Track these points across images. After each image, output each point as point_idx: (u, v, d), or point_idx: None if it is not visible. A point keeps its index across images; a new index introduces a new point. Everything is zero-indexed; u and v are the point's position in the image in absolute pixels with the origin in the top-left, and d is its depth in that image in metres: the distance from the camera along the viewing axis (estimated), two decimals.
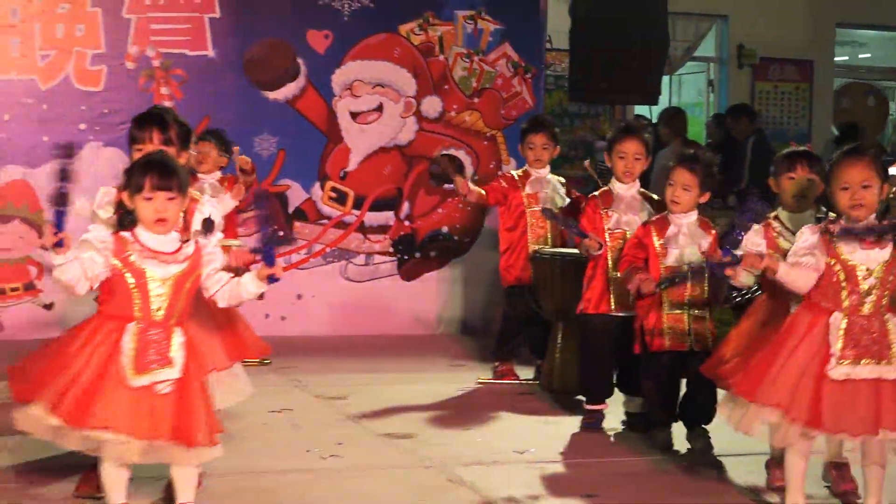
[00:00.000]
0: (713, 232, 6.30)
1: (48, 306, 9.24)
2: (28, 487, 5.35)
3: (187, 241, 4.73)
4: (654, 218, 6.45)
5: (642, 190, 6.94)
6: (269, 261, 4.70)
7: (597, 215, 6.76)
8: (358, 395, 7.56)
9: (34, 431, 4.62)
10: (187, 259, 4.70)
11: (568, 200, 7.84)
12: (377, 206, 10.00)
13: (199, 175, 8.18)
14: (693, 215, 6.29)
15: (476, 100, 10.23)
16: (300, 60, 9.76)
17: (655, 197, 6.88)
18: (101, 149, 9.14)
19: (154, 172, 4.61)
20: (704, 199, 6.30)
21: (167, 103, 9.24)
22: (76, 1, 9.26)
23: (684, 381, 6.32)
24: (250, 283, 4.72)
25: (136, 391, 4.55)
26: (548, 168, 8.09)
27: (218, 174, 8.27)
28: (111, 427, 4.49)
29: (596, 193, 6.93)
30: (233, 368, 5.42)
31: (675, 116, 12.29)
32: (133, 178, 4.63)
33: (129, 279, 4.60)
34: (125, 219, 4.68)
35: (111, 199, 4.96)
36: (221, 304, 4.80)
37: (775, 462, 5.61)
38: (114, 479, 4.70)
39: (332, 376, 8.14)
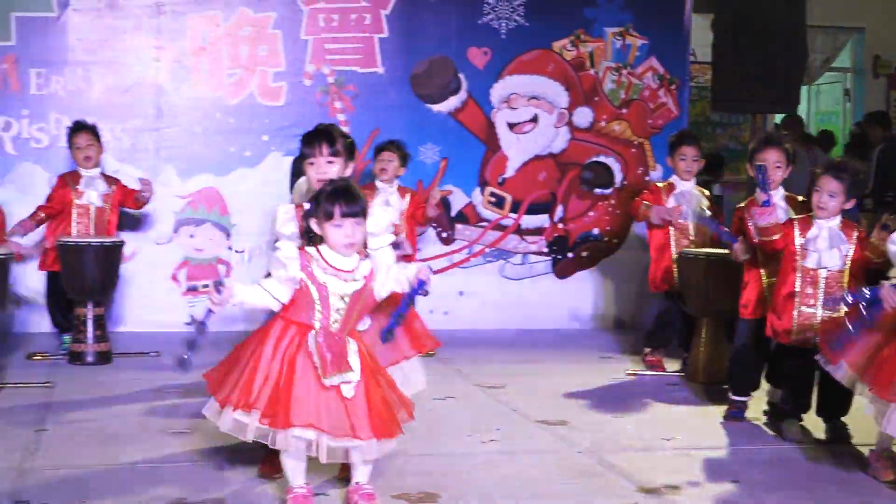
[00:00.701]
0: (855, 234, 6.09)
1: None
2: (210, 468, 5.42)
3: (364, 258, 4.75)
4: (799, 217, 6.26)
5: (787, 194, 6.77)
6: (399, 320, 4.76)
7: (744, 224, 6.61)
8: (515, 384, 7.51)
9: (240, 435, 4.65)
10: (363, 278, 4.71)
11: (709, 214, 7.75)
12: (533, 210, 9.96)
13: (377, 184, 8.25)
14: (836, 220, 6.09)
15: (624, 110, 10.10)
16: (461, 75, 9.76)
17: (800, 198, 6.72)
18: (282, 158, 9.26)
19: (342, 201, 4.62)
20: (849, 205, 6.10)
21: (341, 116, 9.35)
22: (259, 24, 9.41)
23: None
24: (407, 270, 4.75)
25: (327, 393, 4.57)
26: (694, 180, 7.95)
27: (397, 183, 8.31)
28: (311, 425, 4.53)
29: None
30: (412, 361, 5.40)
31: (792, 123, 12.19)
32: (322, 206, 4.64)
33: (314, 291, 4.63)
34: (312, 239, 4.71)
35: (292, 216, 5.00)
36: (384, 294, 4.81)
37: (882, 454, 5.47)
38: (295, 465, 4.74)
39: (490, 367, 8.11)
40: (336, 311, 4.65)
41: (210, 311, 4.65)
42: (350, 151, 5.25)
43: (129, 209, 8.49)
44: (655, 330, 8.11)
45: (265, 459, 5.16)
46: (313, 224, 4.69)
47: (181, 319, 9.31)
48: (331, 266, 4.66)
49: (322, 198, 4.67)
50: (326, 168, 5.04)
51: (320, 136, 5.16)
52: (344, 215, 4.62)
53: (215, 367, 4.89)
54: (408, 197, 8.35)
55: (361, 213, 4.67)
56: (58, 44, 9.11)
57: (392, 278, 4.75)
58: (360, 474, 4.80)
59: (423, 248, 9.45)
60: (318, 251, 4.68)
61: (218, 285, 4.60)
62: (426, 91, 9.71)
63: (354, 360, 4.64)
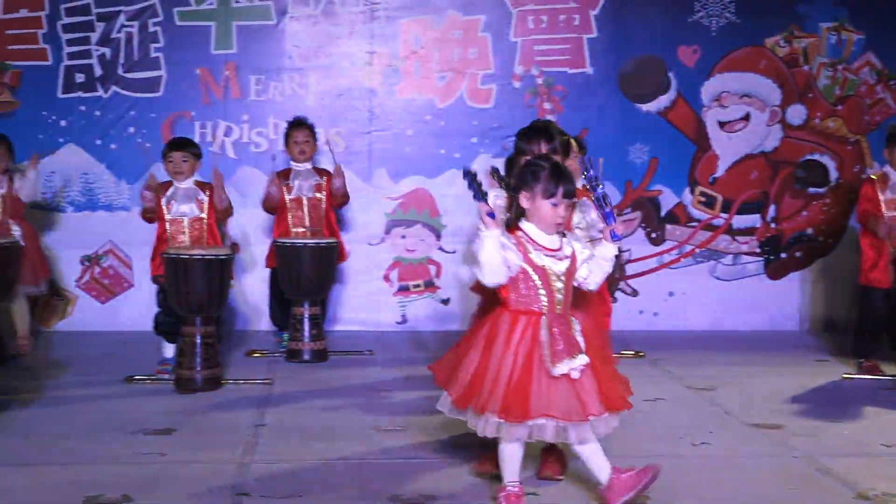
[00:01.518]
0: None
1: (445, 301, 9.48)
2: (423, 464, 5.48)
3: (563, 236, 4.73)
4: None
5: None
6: (610, 219, 4.66)
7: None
8: (726, 386, 7.35)
9: (481, 433, 4.68)
10: (568, 257, 4.69)
11: None
12: (744, 209, 9.74)
13: None
14: None
15: (839, 107, 9.79)
16: (671, 74, 9.62)
17: None
18: (491, 160, 9.28)
19: (564, 181, 4.62)
20: None
21: (550, 117, 9.32)
22: (468, 28, 9.48)
23: None
24: (603, 249, 4.69)
25: (559, 380, 4.56)
26: None
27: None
28: (550, 414, 4.54)
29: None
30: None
31: None
32: (542, 183, 4.63)
33: (535, 276, 4.62)
34: (514, 217, 4.70)
35: (502, 203, 5.00)
36: (593, 287, 4.76)
37: None
38: (514, 455, 4.74)
39: (701, 368, 7.96)
40: (558, 291, 4.63)
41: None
42: (565, 149, 5.23)
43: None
44: (861, 341, 7.83)
45: (483, 457, 5.17)
46: (523, 199, 4.68)
47: (393, 319, 9.46)
48: (542, 247, 4.64)
49: (542, 174, 4.64)
50: None
51: (539, 133, 5.16)
52: (564, 196, 4.62)
53: (440, 359, 4.92)
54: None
55: (574, 197, 4.67)
56: (276, 51, 9.37)
57: (593, 265, 4.71)
58: (602, 472, 4.75)
59: (632, 248, 9.36)
60: (524, 232, 4.67)
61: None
62: (635, 90, 9.61)
63: (580, 339, 4.62)
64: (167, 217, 7.48)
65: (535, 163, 4.73)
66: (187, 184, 7.55)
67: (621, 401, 4.69)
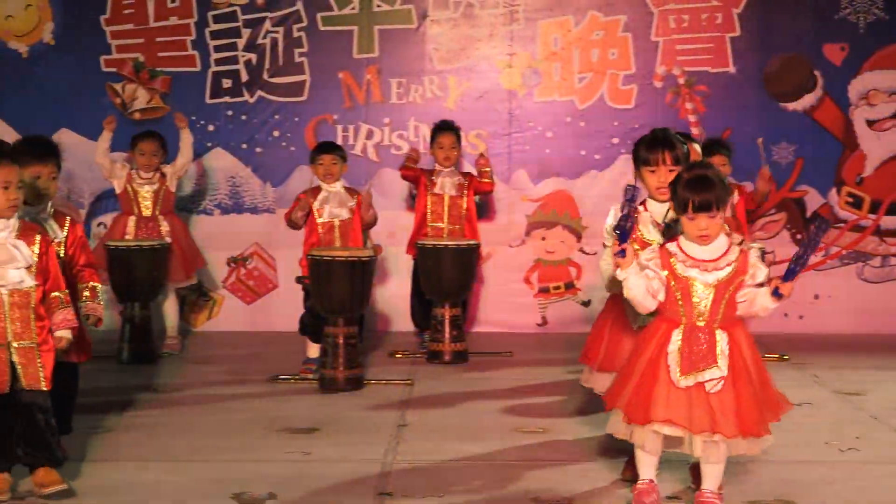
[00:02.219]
0: None
1: (586, 303, 9.45)
2: (564, 467, 5.47)
3: (736, 244, 4.66)
4: None
5: None
6: (789, 276, 4.51)
7: None
8: (875, 391, 7.18)
9: (615, 433, 4.72)
10: (730, 265, 4.59)
11: None
12: (893, 210, 9.49)
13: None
14: None
15: None
16: (817, 72, 9.43)
17: None
18: (631, 161, 9.20)
19: (695, 194, 4.53)
20: None
21: (691, 118, 9.24)
22: (609, 28, 9.43)
23: None
24: (763, 298, 4.55)
25: (688, 390, 4.53)
26: None
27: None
28: (671, 421, 4.51)
29: None
30: None
31: None
32: (677, 197, 4.59)
33: (675, 287, 4.59)
34: (670, 230, 4.67)
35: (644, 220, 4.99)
36: (739, 312, 4.65)
37: None
38: (645, 459, 4.73)
39: (848, 373, 7.78)
40: (698, 302, 4.57)
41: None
42: (686, 157, 5.16)
43: (481, 191, 8.69)
44: None
45: (629, 462, 5.15)
46: (673, 212, 4.65)
47: (533, 321, 9.46)
48: (691, 258, 4.60)
49: (679, 187, 4.59)
50: (668, 178, 4.94)
51: (663, 144, 5.08)
52: (696, 209, 4.54)
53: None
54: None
55: (715, 207, 4.54)
56: (416, 54, 9.46)
57: (752, 297, 4.59)
58: (708, 480, 4.70)
59: (775, 249, 9.19)
60: (678, 244, 4.63)
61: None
62: (780, 89, 9.44)
63: (723, 354, 4.55)
64: (319, 220, 7.63)
65: (678, 176, 4.68)
66: (337, 187, 7.70)
67: (757, 426, 4.56)
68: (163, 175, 8.42)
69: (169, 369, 7.87)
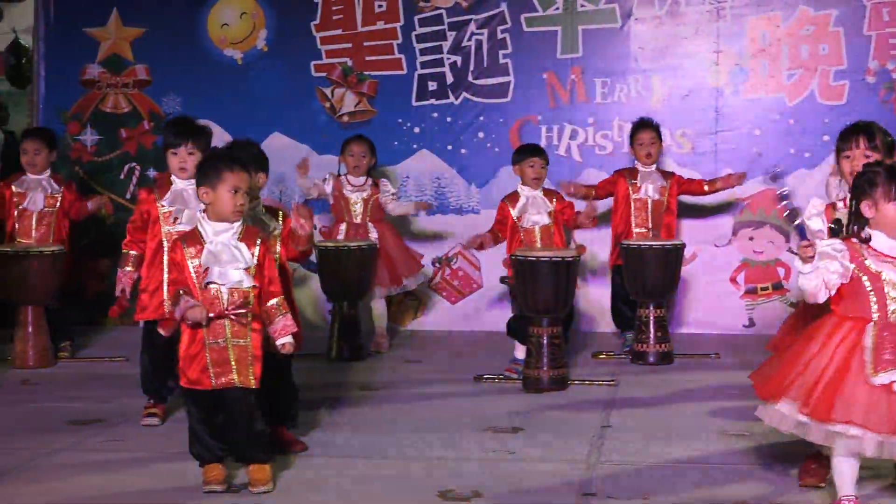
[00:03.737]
0: None
1: (794, 305, 9.23)
2: (761, 472, 5.38)
3: None
4: None
5: None
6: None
7: None
8: None
9: (780, 426, 4.61)
10: None
11: None
12: None
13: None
14: None
15: None
16: None
17: None
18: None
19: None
20: None
21: None
22: (819, 23, 9.20)
23: None
24: None
25: (875, 388, 4.40)
26: None
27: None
28: (852, 422, 4.39)
29: None
30: None
31: None
32: (880, 187, 4.46)
33: (866, 282, 4.47)
34: (858, 229, 4.55)
35: (819, 211, 4.88)
36: None
37: None
38: (845, 471, 4.58)
39: None
40: (893, 300, 4.44)
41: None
42: (889, 150, 5.03)
43: (690, 194, 8.63)
44: None
45: (804, 468, 5.04)
46: (865, 208, 4.51)
47: (740, 322, 9.31)
48: (882, 254, 4.47)
49: (878, 179, 4.48)
50: (861, 162, 4.87)
51: (858, 131, 5.02)
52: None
53: (759, 366, 4.86)
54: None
55: None
56: (620, 53, 9.42)
57: None
58: None
59: None
60: (867, 242, 4.51)
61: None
62: None
63: None
64: (522, 227, 7.69)
65: (869, 170, 4.56)
66: (539, 193, 7.75)
67: None
68: (374, 184, 8.59)
69: (377, 367, 8.05)
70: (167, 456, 5.60)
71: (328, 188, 8.58)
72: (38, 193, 8.23)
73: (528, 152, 7.84)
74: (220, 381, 4.97)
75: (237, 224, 5.05)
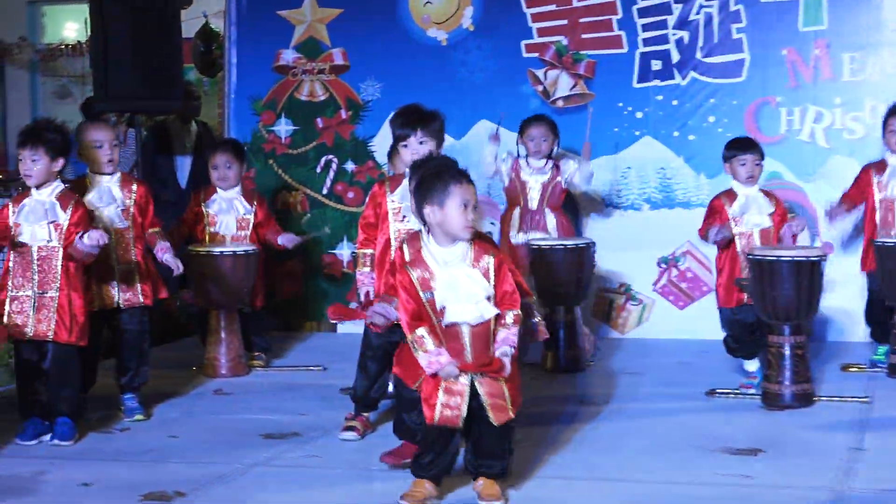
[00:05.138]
0: None
1: None
2: None
3: None
4: None
5: None
6: None
7: None
8: None
9: None
10: None
11: None
12: None
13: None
14: None
15: None
16: None
17: None
18: None
19: None
20: None
21: None
22: None
23: None
24: None
25: None
26: None
27: None
28: None
29: None
30: None
31: None
32: None
33: None
34: None
35: None
36: None
37: None
38: None
39: None
40: None
41: None
42: None
43: None
44: None
45: None
46: None
47: None
48: None
49: None
50: None
51: None
52: None
53: None
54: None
55: None
56: (872, 23, 9.14)
57: None
58: None
59: None
60: None
61: None
62: None
63: None
64: (735, 230, 7.51)
65: None
66: (757, 191, 7.54)
67: None
68: (556, 166, 8.59)
69: (596, 379, 8.03)
70: (366, 473, 5.72)
71: (505, 168, 8.65)
72: (229, 217, 8.48)
73: (737, 148, 7.60)
74: None
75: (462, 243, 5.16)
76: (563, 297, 8.23)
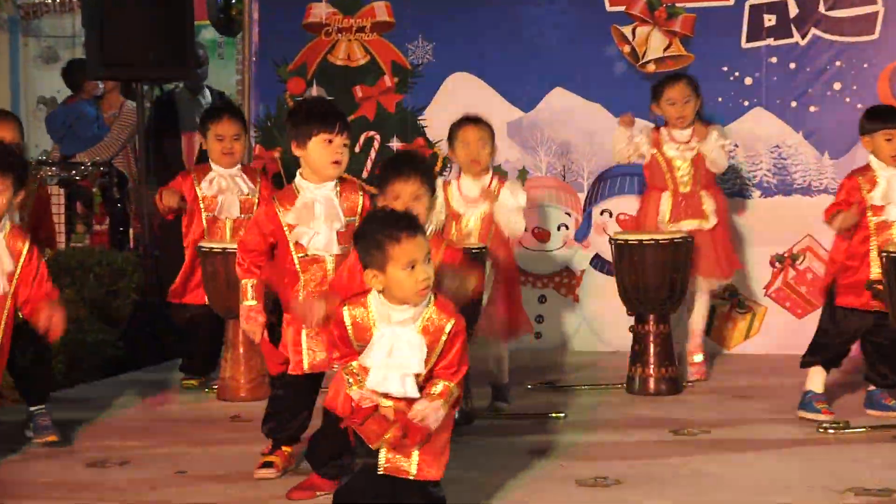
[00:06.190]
0: None
1: None
2: None
3: None
4: None
5: None
6: None
7: None
8: None
9: None
10: None
11: None
12: None
13: None
14: None
15: None
16: None
17: None
18: None
19: None
20: None
21: None
22: None
23: None
24: None
25: None
26: None
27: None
28: None
29: None
30: None
31: None
32: None
33: None
34: None
35: None
36: None
37: None
38: None
39: None
40: None
41: None
42: None
43: None
44: None
45: None
46: None
47: None
48: None
49: None
50: None
51: None
52: None
53: None
54: None
55: None
56: None
57: None
58: None
59: None
60: None
61: None
62: None
63: None
64: (872, 219, 7.34)
65: None
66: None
67: None
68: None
69: (695, 403, 7.98)
70: None
71: (644, 146, 8.55)
72: (230, 197, 8.46)
73: (883, 119, 7.45)
74: None
75: None
76: (653, 304, 8.18)
